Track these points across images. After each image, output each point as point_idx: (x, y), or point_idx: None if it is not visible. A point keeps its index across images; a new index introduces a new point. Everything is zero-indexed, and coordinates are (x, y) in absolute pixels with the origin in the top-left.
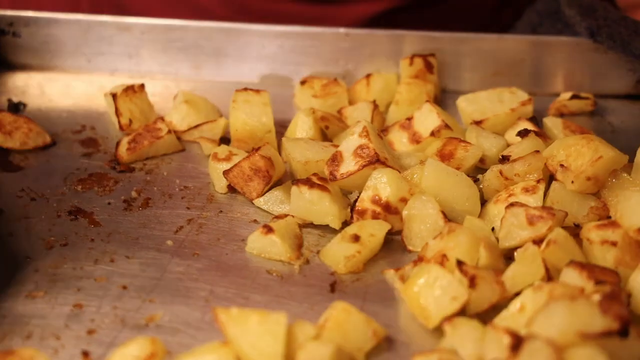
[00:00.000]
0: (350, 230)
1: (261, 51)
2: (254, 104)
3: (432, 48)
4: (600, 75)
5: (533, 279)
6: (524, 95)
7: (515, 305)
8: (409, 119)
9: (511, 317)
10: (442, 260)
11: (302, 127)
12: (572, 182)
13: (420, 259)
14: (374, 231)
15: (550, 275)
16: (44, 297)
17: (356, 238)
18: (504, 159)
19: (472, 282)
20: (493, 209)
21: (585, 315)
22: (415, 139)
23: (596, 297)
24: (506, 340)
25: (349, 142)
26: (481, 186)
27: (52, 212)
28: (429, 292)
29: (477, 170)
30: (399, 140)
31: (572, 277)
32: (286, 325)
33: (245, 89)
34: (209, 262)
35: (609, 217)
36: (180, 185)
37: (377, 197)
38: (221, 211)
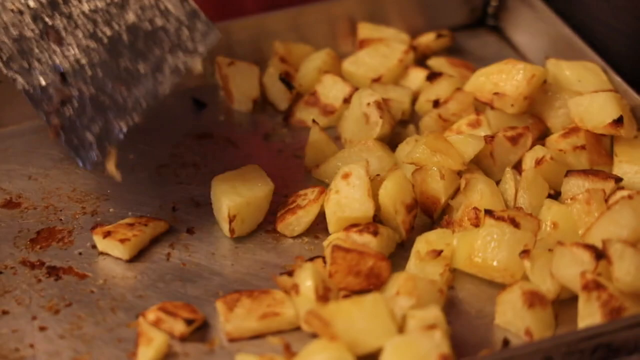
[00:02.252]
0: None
1: None
2: None
3: None
4: (435, 11)
5: (542, 198)
6: (400, 46)
7: (546, 224)
8: (312, 93)
9: (548, 237)
10: (476, 215)
11: None
12: (512, 105)
13: (448, 223)
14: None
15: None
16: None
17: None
18: (437, 103)
19: (515, 224)
20: None
21: None
22: (329, 111)
23: None
24: (587, 255)
25: None
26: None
27: (29, 280)
28: (498, 252)
29: (400, 124)
30: (309, 118)
31: (576, 185)
32: (384, 301)
33: None
34: None
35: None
36: None
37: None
38: None
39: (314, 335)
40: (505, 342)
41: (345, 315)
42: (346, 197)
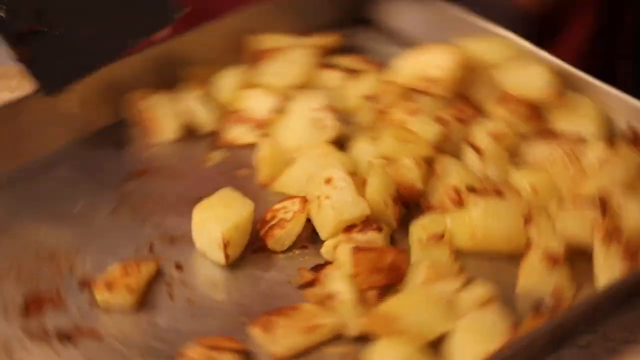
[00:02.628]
0: None
1: None
2: None
3: None
4: (307, 13)
5: (506, 168)
6: (305, 50)
7: (526, 191)
8: (239, 110)
9: (532, 202)
10: (458, 195)
11: None
12: (445, 87)
13: (428, 209)
14: None
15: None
16: None
17: None
18: (371, 98)
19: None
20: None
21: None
22: (260, 124)
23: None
24: (593, 209)
25: None
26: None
27: (40, 350)
28: (498, 223)
29: None
30: (241, 135)
31: (539, 149)
32: (435, 288)
33: None
34: None
35: None
36: None
37: None
38: None
39: (350, 340)
40: (539, 304)
41: (406, 310)
42: (338, 200)
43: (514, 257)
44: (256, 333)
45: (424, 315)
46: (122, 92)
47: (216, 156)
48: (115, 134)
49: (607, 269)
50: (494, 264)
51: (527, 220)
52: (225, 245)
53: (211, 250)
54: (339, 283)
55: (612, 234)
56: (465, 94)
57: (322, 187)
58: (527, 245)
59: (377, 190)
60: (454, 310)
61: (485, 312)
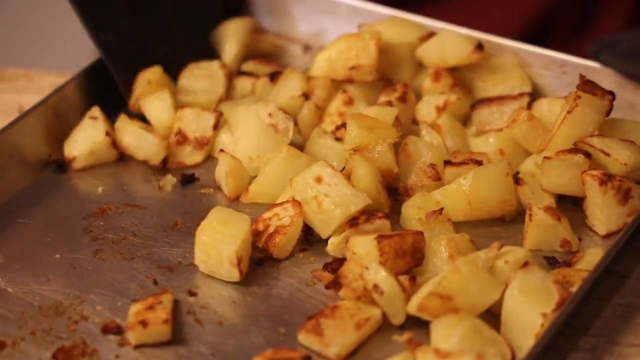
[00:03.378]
0: None
1: None
2: None
3: None
4: None
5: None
6: (214, 62)
7: (495, 154)
8: (177, 133)
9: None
10: (435, 170)
11: None
12: (370, 73)
13: (407, 189)
14: None
15: None
16: None
17: None
18: (307, 96)
19: (478, 162)
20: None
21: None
22: (201, 143)
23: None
24: (577, 157)
25: None
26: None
27: None
28: (488, 189)
29: None
30: (186, 157)
31: (488, 112)
32: (476, 260)
33: None
34: None
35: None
36: None
37: None
38: None
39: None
40: (552, 260)
41: (458, 286)
42: (338, 196)
43: (504, 220)
44: (307, 339)
45: (474, 288)
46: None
47: (170, 180)
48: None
49: (606, 215)
50: (490, 229)
51: (519, 181)
52: (239, 262)
53: (221, 270)
54: (384, 274)
55: (605, 179)
56: (387, 77)
57: (315, 187)
58: (519, 204)
59: (367, 179)
60: (497, 277)
61: (527, 274)
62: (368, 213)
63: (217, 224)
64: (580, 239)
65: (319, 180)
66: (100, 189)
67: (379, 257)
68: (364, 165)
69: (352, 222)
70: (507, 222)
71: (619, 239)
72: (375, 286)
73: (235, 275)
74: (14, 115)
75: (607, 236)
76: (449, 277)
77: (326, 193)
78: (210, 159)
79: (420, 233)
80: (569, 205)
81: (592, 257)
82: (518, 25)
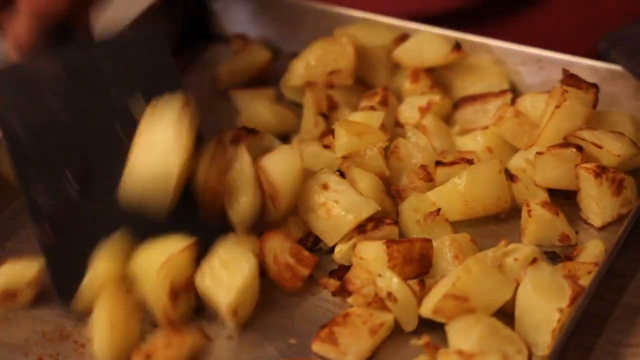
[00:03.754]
0: None
1: None
2: None
3: None
4: None
5: (449, 136)
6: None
7: (483, 152)
8: None
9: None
10: (426, 171)
11: None
12: (349, 76)
13: (400, 191)
14: None
15: None
16: None
17: None
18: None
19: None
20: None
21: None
22: None
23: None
24: (569, 151)
25: None
26: None
27: None
28: (482, 187)
29: None
30: None
31: (472, 111)
32: (485, 259)
33: None
34: None
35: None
36: None
37: None
38: None
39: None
40: (552, 255)
41: (472, 287)
42: (349, 202)
43: (499, 217)
44: (322, 348)
45: (487, 287)
46: None
47: None
48: None
49: (601, 207)
50: (487, 228)
51: (514, 177)
52: (234, 314)
53: (219, 316)
54: (388, 282)
55: (600, 171)
56: (363, 80)
57: (323, 194)
58: (512, 200)
59: (371, 185)
60: (507, 275)
61: (537, 270)
62: (376, 220)
63: (219, 265)
64: (576, 232)
65: (325, 187)
66: None
67: (388, 262)
68: (364, 175)
69: (360, 229)
70: (502, 220)
71: (624, 229)
72: (389, 294)
73: (232, 326)
74: None
75: (602, 228)
76: (463, 278)
77: (335, 199)
78: None
79: (429, 241)
80: (561, 200)
81: (592, 249)
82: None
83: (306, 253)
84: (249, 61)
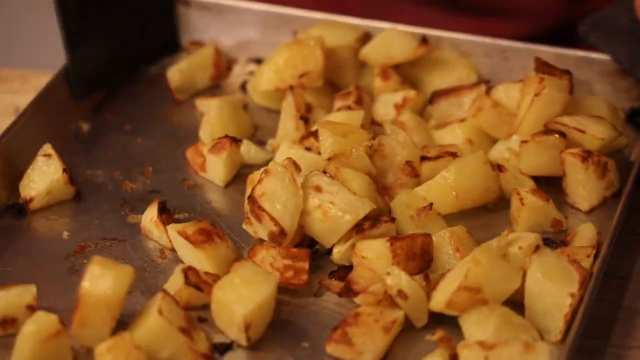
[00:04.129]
0: None
1: None
2: None
3: None
4: None
5: (427, 130)
6: None
7: (464, 144)
8: None
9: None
10: (412, 167)
11: None
12: (319, 78)
13: (387, 188)
14: None
15: None
16: None
17: None
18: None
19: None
20: None
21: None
22: None
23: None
24: (553, 138)
25: None
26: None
27: None
28: (470, 179)
29: None
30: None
31: (447, 104)
32: (493, 248)
33: None
34: None
35: None
36: None
37: None
38: None
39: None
40: (547, 241)
41: (484, 278)
42: (344, 202)
43: (487, 208)
44: (337, 349)
45: (497, 277)
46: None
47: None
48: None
49: (588, 191)
50: (478, 219)
51: (502, 168)
52: (247, 328)
53: (231, 331)
54: (398, 280)
55: (586, 156)
56: (331, 81)
57: (317, 196)
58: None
59: (363, 184)
60: (514, 264)
61: (543, 256)
62: (372, 218)
63: (239, 281)
64: (565, 217)
65: (318, 189)
66: (68, 228)
67: (392, 259)
68: (355, 175)
69: (358, 229)
70: (490, 210)
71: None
72: (400, 291)
73: (242, 340)
74: (10, 116)
75: (590, 211)
76: (473, 270)
77: (331, 201)
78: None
79: (429, 235)
80: (544, 187)
81: (585, 233)
82: None
83: (295, 249)
84: (197, 62)
